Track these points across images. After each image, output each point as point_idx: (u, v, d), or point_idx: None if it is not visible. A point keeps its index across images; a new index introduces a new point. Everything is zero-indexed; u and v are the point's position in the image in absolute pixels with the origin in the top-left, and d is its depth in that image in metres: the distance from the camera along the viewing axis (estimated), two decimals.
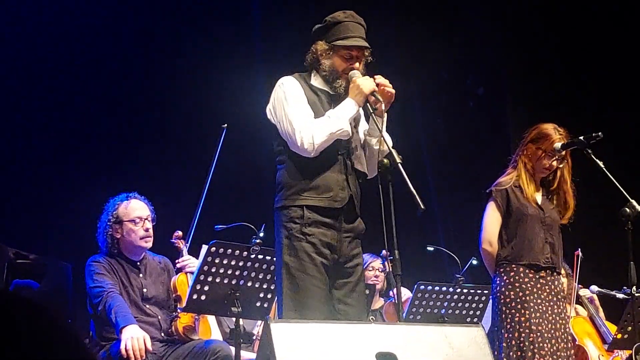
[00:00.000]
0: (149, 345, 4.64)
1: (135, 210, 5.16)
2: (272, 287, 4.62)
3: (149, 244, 5.19)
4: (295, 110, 4.04)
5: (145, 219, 5.15)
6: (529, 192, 5.02)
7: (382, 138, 3.99)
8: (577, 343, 6.51)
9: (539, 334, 4.82)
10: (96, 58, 7.51)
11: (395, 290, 3.89)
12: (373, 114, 4.06)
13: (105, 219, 5.15)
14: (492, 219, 5.08)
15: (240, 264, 4.52)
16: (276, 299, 4.46)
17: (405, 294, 6.55)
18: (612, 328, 6.55)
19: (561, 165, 5.09)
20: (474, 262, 6.33)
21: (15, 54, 7.15)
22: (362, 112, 4.30)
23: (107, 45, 7.56)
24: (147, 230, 5.14)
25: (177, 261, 5.27)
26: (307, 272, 3.94)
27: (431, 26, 9.11)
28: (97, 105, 7.53)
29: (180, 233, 5.38)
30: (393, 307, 6.63)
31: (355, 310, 4.06)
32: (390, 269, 3.98)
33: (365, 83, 4.04)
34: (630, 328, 5.53)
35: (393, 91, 4.12)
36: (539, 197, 5.11)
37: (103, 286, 4.88)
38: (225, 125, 5.76)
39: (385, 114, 4.12)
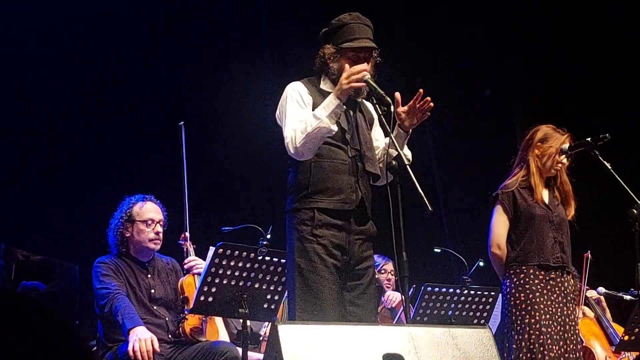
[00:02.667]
0: (157, 347, 4.64)
1: (149, 212, 5.18)
2: (280, 289, 4.62)
3: (157, 247, 5.20)
4: (289, 116, 4.05)
5: (157, 222, 5.17)
6: (539, 192, 5.03)
7: (391, 138, 3.96)
8: (584, 344, 6.50)
9: (548, 335, 4.82)
10: (105, 63, 7.53)
11: (401, 293, 3.89)
12: (382, 116, 4.03)
13: (118, 216, 5.18)
14: (499, 222, 5.09)
15: (248, 265, 4.52)
16: (285, 300, 4.47)
17: (397, 297, 6.58)
18: (619, 329, 6.55)
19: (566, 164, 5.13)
20: (481, 263, 6.34)
21: (19, 56, 7.18)
22: (375, 114, 4.29)
23: (117, 52, 7.58)
24: (157, 233, 5.16)
25: (184, 262, 5.27)
26: (318, 274, 3.93)
27: (437, 28, 9.11)
28: (105, 108, 7.55)
29: (187, 234, 5.39)
30: (387, 311, 6.67)
31: (366, 312, 4.05)
32: (397, 271, 3.97)
33: (345, 78, 3.92)
34: (637, 330, 5.52)
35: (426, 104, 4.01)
36: (546, 196, 5.12)
37: (109, 288, 4.89)
38: (182, 123, 5.72)
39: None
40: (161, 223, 5.20)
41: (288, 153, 4.03)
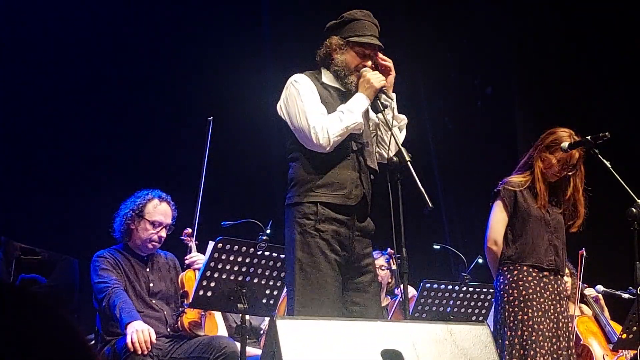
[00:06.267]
0: (154, 338, 4.66)
1: (160, 214, 5.17)
2: (279, 284, 4.63)
3: (154, 250, 5.21)
4: (309, 107, 4.01)
5: (163, 227, 5.16)
6: (544, 198, 5.01)
7: (392, 136, 3.99)
8: (582, 342, 6.51)
9: (540, 332, 4.83)
10: (106, 62, 7.55)
11: (402, 287, 3.89)
12: (384, 110, 4.06)
13: (131, 206, 5.16)
14: (498, 219, 5.08)
15: (247, 260, 4.52)
16: (284, 295, 4.46)
17: (411, 292, 6.56)
18: (617, 328, 6.56)
19: (571, 173, 5.07)
20: (480, 260, 6.34)
21: (36, 46, 7.20)
22: (370, 109, 4.31)
23: (118, 51, 7.60)
24: (159, 238, 5.16)
25: (185, 258, 5.28)
26: (320, 269, 3.90)
27: (439, 25, 9.11)
28: (109, 105, 7.55)
29: (189, 230, 5.39)
30: (399, 304, 6.65)
31: (369, 311, 4.00)
32: (397, 267, 3.98)
33: (375, 77, 4.07)
34: (635, 328, 5.54)
35: (389, 63, 4.21)
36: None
37: (107, 282, 4.89)
38: (211, 118, 5.72)
39: (394, 95, 4.18)
40: (167, 228, 5.20)
41: (309, 145, 3.98)
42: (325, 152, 3.98)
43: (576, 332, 6.49)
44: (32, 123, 7.18)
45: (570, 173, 5.06)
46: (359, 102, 4.04)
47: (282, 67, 7.26)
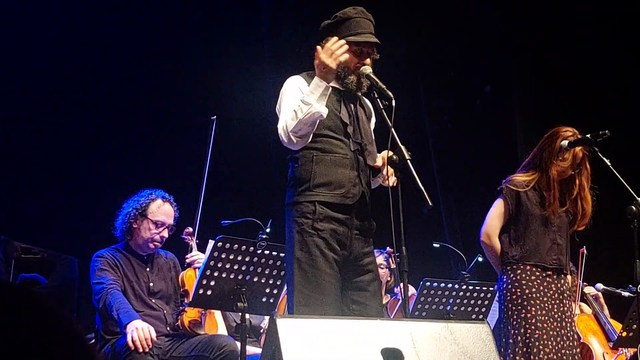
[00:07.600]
0: (154, 336, 4.65)
1: (163, 215, 5.18)
2: (279, 283, 4.63)
3: (155, 250, 5.21)
4: (285, 109, 4.03)
5: (166, 227, 5.17)
6: (555, 206, 4.98)
7: (391, 133, 3.97)
8: (581, 341, 6.51)
9: (544, 331, 4.83)
10: (107, 62, 7.55)
11: (401, 286, 3.89)
12: (383, 110, 4.04)
13: (134, 205, 5.17)
14: (495, 215, 5.08)
15: (247, 259, 4.53)
16: (284, 294, 4.46)
17: (410, 290, 6.57)
18: (617, 326, 6.56)
19: (575, 172, 5.05)
20: (480, 259, 6.35)
21: (40, 45, 7.21)
22: (372, 110, 4.30)
23: (120, 51, 7.60)
24: (161, 238, 5.16)
25: (186, 257, 5.28)
26: (318, 268, 3.90)
27: (439, 24, 9.12)
28: (110, 105, 7.56)
29: (190, 229, 5.39)
30: (398, 303, 6.65)
31: (369, 309, 4.00)
32: (397, 266, 3.97)
33: (328, 56, 3.94)
34: (635, 326, 5.54)
35: (393, 180, 3.95)
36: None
37: (103, 282, 4.89)
38: (214, 117, 5.73)
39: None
40: (169, 228, 5.20)
41: (282, 143, 4.02)
42: (294, 148, 4.00)
43: (576, 331, 6.50)
44: (33, 123, 7.19)
45: (574, 172, 5.05)
46: (315, 88, 3.94)
47: (282, 67, 7.26)
